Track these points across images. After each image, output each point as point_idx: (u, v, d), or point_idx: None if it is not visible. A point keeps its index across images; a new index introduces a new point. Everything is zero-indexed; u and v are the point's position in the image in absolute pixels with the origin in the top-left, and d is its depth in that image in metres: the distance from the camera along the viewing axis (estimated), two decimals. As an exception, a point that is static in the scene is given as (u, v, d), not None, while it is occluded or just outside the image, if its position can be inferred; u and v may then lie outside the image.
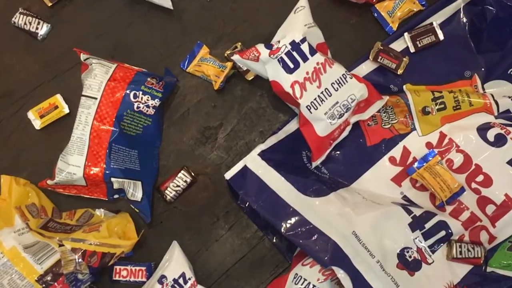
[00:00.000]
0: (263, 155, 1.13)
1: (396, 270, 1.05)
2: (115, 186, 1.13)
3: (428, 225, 1.09)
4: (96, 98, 1.11)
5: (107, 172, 1.10)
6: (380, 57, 1.19)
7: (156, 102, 1.15)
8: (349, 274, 1.00)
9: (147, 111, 1.14)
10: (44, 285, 1.07)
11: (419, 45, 1.21)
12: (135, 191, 1.13)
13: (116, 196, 1.17)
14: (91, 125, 1.11)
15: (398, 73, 1.20)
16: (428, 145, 1.16)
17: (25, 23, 1.23)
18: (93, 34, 1.25)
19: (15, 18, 1.23)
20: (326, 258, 1.01)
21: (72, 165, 1.10)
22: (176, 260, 1.11)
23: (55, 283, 1.07)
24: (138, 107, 1.13)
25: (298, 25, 1.12)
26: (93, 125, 1.11)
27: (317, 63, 1.11)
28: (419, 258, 1.08)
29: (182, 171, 1.17)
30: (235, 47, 1.22)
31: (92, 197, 1.17)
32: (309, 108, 1.10)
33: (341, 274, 1.00)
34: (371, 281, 1.02)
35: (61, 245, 1.05)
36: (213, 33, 1.25)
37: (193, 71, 1.22)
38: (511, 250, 1.10)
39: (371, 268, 1.03)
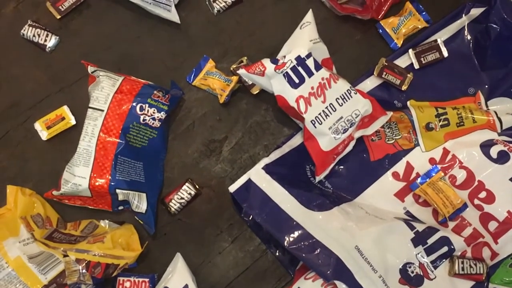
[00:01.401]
0: (267, 168, 1.13)
1: (398, 285, 1.05)
2: (120, 197, 1.13)
3: (430, 241, 1.09)
4: (102, 110, 1.12)
5: (112, 183, 1.11)
6: (384, 73, 1.20)
7: (162, 115, 1.16)
8: (351, 289, 1.01)
9: (152, 123, 1.15)
10: None
11: (424, 62, 1.22)
12: (140, 203, 1.14)
13: (120, 207, 1.17)
14: (97, 136, 1.12)
15: (402, 89, 1.21)
16: (432, 161, 1.16)
17: (33, 35, 1.24)
18: (101, 46, 1.26)
19: (24, 30, 1.25)
20: (328, 272, 1.02)
21: (78, 176, 1.11)
22: (179, 272, 1.11)
23: None
24: (144, 120, 1.14)
25: (304, 41, 1.13)
26: (100, 137, 1.12)
27: (322, 78, 1.12)
28: (421, 273, 1.08)
29: (187, 184, 1.18)
30: (240, 61, 1.23)
31: (97, 208, 1.17)
32: (313, 122, 1.10)
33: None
34: (374, 295, 1.02)
35: (65, 256, 1.06)
36: (219, 47, 1.26)
37: (199, 84, 1.23)
38: (513, 267, 1.11)
39: (373, 283, 1.03)
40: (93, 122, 1.12)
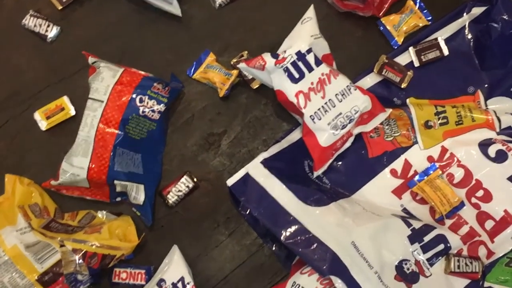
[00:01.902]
0: (265, 163, 1.13)
1: (394, 282, 1.05)
2: (118, 189, 1.14)
3: (427, 238, 1.09)
4: (102, 101, 1.13)
5: (110, 174, 1.11)
6: (384, 70, 1.20)
7: (162, 107, 1.16)
8: (346, 284, 1.01)
9: (152, 115, 1.15)
10: (43, 285, 1.08)
11: (424, 60, 1.22)
12: (138, 195, 1.14)
13: (118, 198, 1.18)
14: (96, 127, 1.12)
15: (402, 86, 1.21)
16: (430, 159, 1.16)
17: (35, 25, 1.25)
18: (102, 38, 1.26)
19: (26, 20, 1.25)
20: (324, 267, 1.02)
21: (76, 166, 1.11)
22: (175, 264, 1.11)
23: (55, 283, 1.08)
24: (143, 112, 1.14)
25: (305, 36, 1.13)
26: (99, 127, 1.12)
27: (322, 74, 1.12)
28: (417, 270, 1.08)
29: (185, 176, 1.18)
30: (241, 56, 1.23)
31: (95, 199, 1.18)
32: (312, 118, 1.11)
33: (338, 283, 1.00)
34: (369, 291, 1.02)
35: (62, 246, 1.06)
36: (220, 41, 1.26)
37: (199, 78, 1.23)
38: (509, 266, 1.11)
39: (368, 279, 1.03)
40: (92, 113, 1.12)
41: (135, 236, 1.14)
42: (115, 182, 1.12)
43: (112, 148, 1.12)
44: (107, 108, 1.13)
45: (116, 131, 1.13)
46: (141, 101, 1.14)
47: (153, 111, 1.15)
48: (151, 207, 1.16)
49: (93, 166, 1.11)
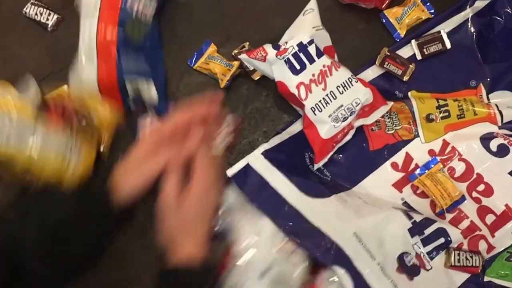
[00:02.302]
0: (266, 154, 1.13)
1: (396, 274, 1.06)
2: (130, 92, 1.15)
3: (427, 232, 1.09)
4: (94, 16, 1.13)
5: (119, 74, 1.12)
6: (386, 63, 1.20)
7: (152, 10, 1.18)
8: (350, 274, 1.01)
9: (145, 19, 1.17)
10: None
11: (426, 53, 1.21)
12: (150, 91, 1.16)
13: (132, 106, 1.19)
14: (96, 33, 1.12)
15: (404, 79, 1.20)
16: (431, 152, 1.16)
17: (36, 14, 1.24)
18: (103, 27, 1.26)
19: (27, 8, 1.24)
20: (327, 257, 1.02)
21: (85, 71, 1.13)
22: None
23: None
24: (136, 15, 1.15)
25: (306, 27, 1.13)
26: (98, 33, 1.12)
27: (324, 66, 1.11)
28: (418, 263, 1.08)
29: (186, 167, 1.17)
30: (242, 47, 1.22)
31: None
32: (313, 110, 1.10)
33: (342, 274, 1.01)
34: (372, 282, 1.03)
35: None
36: (222, 32, 1.26)
37: (200, 68, 1.23)
38: (509, 260, 1.11)
39: (371, 270, 1.03)
40: (88, 22, 1.13)
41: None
42: (126, 82, 1.13)
43: (116, 50, 1.12)
44: (102, 16, 1.12)
45: (116, 34, 1.12)
46: (132, 4, 1.14)
47: (145, 14, 1.17)
48: (166, 100, 1.20)
49: (102, 69, 1.12)
